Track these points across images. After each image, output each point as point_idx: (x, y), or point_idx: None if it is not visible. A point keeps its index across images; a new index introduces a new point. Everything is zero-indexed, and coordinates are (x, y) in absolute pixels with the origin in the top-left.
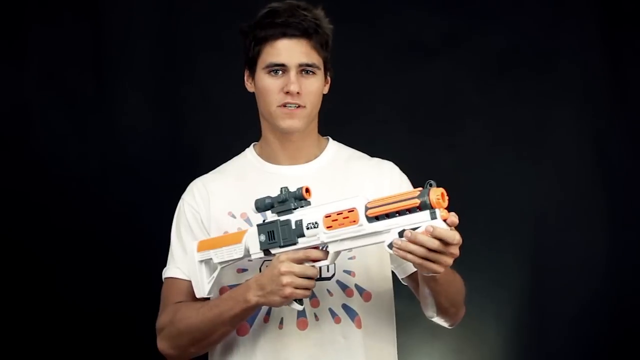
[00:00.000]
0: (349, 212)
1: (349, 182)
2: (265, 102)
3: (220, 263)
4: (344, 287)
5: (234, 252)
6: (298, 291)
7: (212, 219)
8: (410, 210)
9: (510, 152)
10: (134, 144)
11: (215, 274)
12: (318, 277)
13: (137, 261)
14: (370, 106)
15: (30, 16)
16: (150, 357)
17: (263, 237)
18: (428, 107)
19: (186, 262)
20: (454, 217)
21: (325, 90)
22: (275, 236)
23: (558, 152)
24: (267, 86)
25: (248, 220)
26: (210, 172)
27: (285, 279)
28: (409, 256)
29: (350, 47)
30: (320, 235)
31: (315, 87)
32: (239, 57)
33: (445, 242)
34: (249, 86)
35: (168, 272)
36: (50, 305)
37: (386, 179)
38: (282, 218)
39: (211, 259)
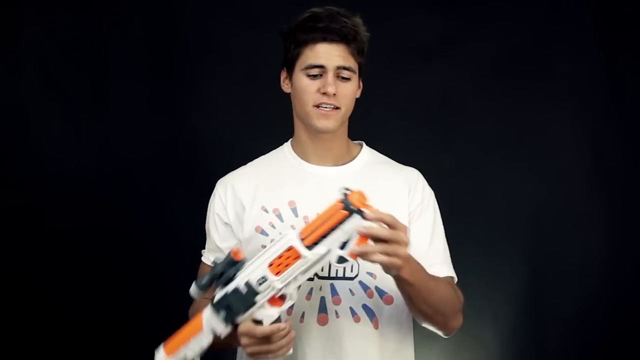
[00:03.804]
0: (288, 251)
1: (378, 188)
2: (301, 102)
3: (197, 356)
4: (365, 287)
5: (203, 340)
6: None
7: (246, 218)
8: (342, 222)
9: (507, 154)
10: (131, 145)
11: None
12: (342, 276)
13: (137, 263)
14: (367, 108)
15: (25, 16)
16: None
17: (223, 313)
18: (425, 109)
19: (211, 252)
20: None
21: (358, 94)
22: (233, 307)
23: (555, 154)
24: (304, 86)
25: (280, 216)
26: (245, 166)
27: (250, 350)
28: (373, 257)
29: None
30: (274, 284)
31: (350, 90)
32: (237, 58)
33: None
34: (285, 87)
35: (203, 257)
36: (44, 309)
37: (408, 184)
38: (230, 288)
39: (186, 356)
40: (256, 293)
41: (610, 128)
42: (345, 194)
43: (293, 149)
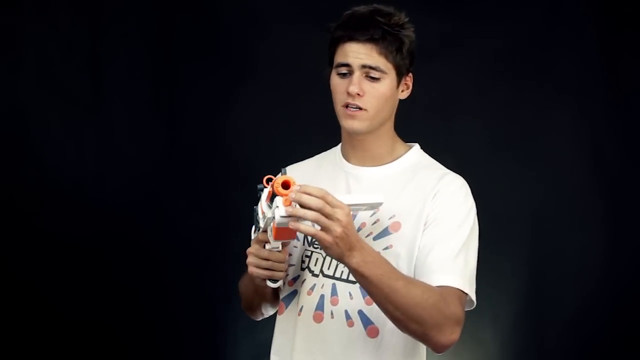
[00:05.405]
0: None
1: (404, 191)
2: (334, 101)
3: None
4: (364, 294)
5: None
6: (254, 269)
7: None
8: (274, 196)
9: (508, 155)
10: (130, 145)
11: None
12: (345, 278)
13: (137, 263)
14: None
15: (26, 16)
16: None
17: (255, 218)
18: (425, 108)
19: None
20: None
21: (404, 95)
22: (254, 219)
23: (555, 155)
24: (335, 85)
25: None
26: (308, 160)
27: (249, 258)
28: (302, 227)
29: None
30: (260, 222)
31: (379, 91)
32: (236, 58)
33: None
34: (330, 85)
35: None
36: (44, 311)
37: (437, 189)
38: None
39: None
40: (257, 220)
41: (610, 128)
42: (280, 174)
43: (341, 147)
